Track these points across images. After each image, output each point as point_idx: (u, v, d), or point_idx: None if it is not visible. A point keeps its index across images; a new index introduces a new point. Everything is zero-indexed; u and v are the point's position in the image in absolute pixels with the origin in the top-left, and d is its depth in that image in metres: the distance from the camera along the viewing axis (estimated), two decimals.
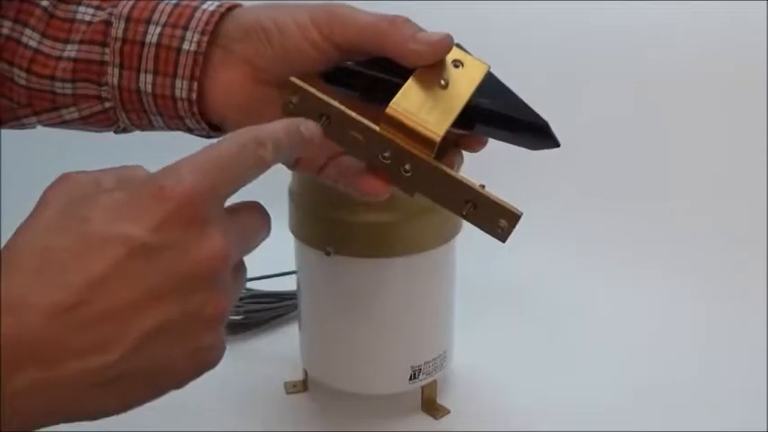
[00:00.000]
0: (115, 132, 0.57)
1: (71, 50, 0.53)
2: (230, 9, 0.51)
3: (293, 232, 0.65)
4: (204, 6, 0.51)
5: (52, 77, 0.53)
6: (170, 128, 0.55)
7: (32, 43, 0.53)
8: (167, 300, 0.35)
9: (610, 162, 0.96)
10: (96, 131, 0.56)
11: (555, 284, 0.87)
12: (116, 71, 0.52)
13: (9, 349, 0.33)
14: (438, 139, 0.44)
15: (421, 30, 0.47)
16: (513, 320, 0.81)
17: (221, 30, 0.51)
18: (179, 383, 0.38)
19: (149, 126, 0.55)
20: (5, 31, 0.54)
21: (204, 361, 0.38)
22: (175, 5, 0.52)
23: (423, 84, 0.45)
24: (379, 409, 0.68)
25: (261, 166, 0.40)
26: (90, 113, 0.55)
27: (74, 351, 0.34)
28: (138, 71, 0.52)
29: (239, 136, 0.39)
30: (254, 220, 0.41)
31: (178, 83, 0.51)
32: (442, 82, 0.46)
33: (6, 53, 0.54)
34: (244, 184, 0.40)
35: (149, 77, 0.52)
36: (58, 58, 0.53)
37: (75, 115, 0.55)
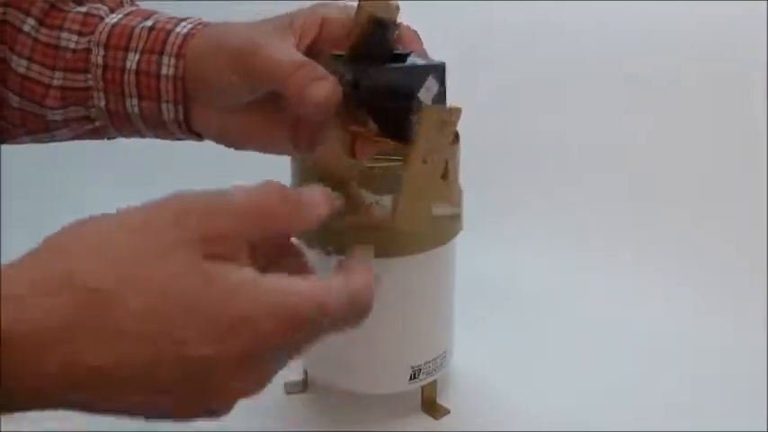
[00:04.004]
0: (107, 139, 0.58)
1: (58, 78, 0.53)
2: (194, 34, 0.52)
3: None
4: (178, 29, 0.52)
5: (42, 105, 0.54)
6: (160, 138, 0.56)
7: (21, 69, 0.54)
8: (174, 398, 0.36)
9: (609, 162, 0.96)
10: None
11: (555, 284, 0.87)
12: (101, 95, 0.53)
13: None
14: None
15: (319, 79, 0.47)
16: (513, 320, 0.81)
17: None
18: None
19: (140, 136, 0.56)
20: None
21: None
22: (150, 29, 0.52)
23: (417, 178, 0.47)
24: (379, 409, 0.68)
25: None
26: (81, 132, 0.56)
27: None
28: (124, 96, 0.53)
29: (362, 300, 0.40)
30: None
31: (164, 107, 0.52)
32: (426, 161, 0.47)
33: (1, 74, 0.54)
34: None
35: (135, 101, 0.53)
36: (48, 86, 0.54)
37: (68, 135, 0.56)
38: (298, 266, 0.43)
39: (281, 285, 0.37)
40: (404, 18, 0.49)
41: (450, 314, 0.68)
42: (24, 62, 0.54)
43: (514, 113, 1.00)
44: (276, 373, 0.40)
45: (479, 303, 0.80)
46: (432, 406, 0.68)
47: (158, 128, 0.54)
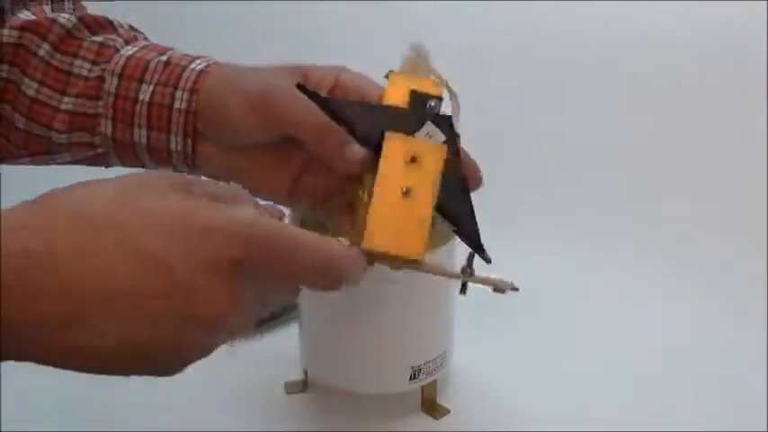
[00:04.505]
0: (105, 167, 0.59)
1: (68, 103, 0.54)
2: (208, 72, 0.53)
3: None
4: (192, 66, 0.53)
5: (49, 127, 0.55)
6: (160, 168, 0.57)
7: (31, 92, 0.55)
8: (160, 325, 0.37)
9: (609, 162, 0.96)
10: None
11: (555, 284, 0.86)
12: (109, 123, 0.54)
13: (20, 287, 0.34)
14: (423, 258, 0.46)
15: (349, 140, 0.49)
16: (513, 320, 0.81)
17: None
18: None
19: (141, 167, 0.57)
20: (3, 74, 0.55)
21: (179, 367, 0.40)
22: (166, 64, 0.54)
23: (387, 202, 0.46)
24: (379, 409, 0.68)
25: (327, 289, 0.43)
26: (82, 157, 0.57)
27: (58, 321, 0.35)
28: (132, 126, 0.54)
29: (323, 248, 0.41)
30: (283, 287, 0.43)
31: (173, 139, 0.53)
32: (404, 189, 0.46)
33: (8, 95, 0.55)
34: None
35: (144, 132, 0.54)
36: (56, 109, 0.55)
37: (68, 159, 0.57)
38: None
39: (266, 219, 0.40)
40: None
41: (451, 314, 0.68)
42: (35, 85, 0.55)
43: (514, 113, 1.00)
44: (255, 312, 0.42)
45: (479, 303, 0.80)
46: (432, 406, 0.68)
47: (162, 160, 0.55)
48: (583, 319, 0.81)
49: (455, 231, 0.50)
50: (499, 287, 0.49)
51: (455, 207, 0.47)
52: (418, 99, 0.48)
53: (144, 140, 0.54)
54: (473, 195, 0.49)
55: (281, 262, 0.40)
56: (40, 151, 0.56)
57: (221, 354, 0.81)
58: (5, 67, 0.55)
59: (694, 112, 0.94)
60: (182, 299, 0.36)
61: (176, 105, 0.52)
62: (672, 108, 0.96)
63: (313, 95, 0.49)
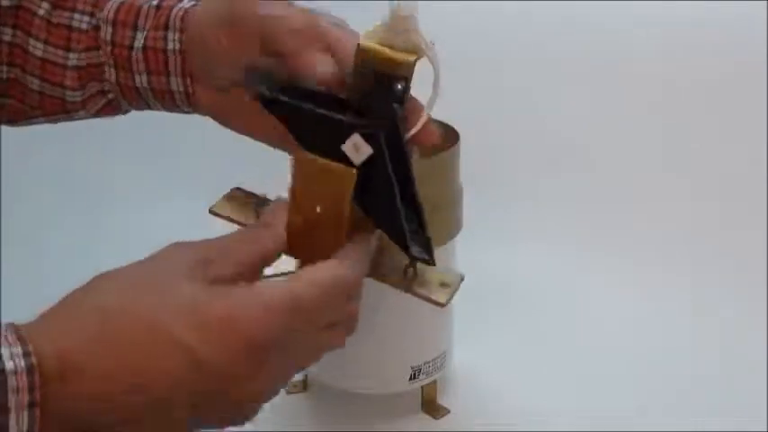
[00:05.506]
0: (122, 114, 0.59)
1: (74, 59, 0.55)
2: (193, 10, 0.53)
3: None
4: (181, 4, 0.54)
5: (62, 86, 0.56)
6: (169, 111, 0.57)
7: (38, 52, 0.55)
8: (201, 411, 0.39)
9: (610, 162, 0.96)
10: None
11: (555, 284, 0.87)
12: (112, 70, 0.55)
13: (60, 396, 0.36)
14: None
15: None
16: (513, 320, 0.81)
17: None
18: None
19: (149, 109, 0.57)
20: (7, 37, 0.56)
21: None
22: (157, 8, 0.54)
23: (298, 222, 0.46)
24: (379, 409, 0.68)
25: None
26: (97, 109, 0.57)
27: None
28: (133, 72, 0.54)
29: (328, 282, 0.44)
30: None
31: (173, 80, 0.54)
32: (318, 209, 0.46)
33: (16, 58, 0.56)
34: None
35: (144, 77, 0.54)
36: (65, 67, 0.55)
37: (84, 115, 0.58)
38: None
39: (263, 286, 0.42)
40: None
41: (450, 314, 0.68)
42: (41, 45, 0.55)
43: (515, 113, 1.00)
44: (287, 374, 0.44)
45: (479, 303, 0.80)
46: (432, 406, 0.68)
47: (166, 102, 0.55)
48: (582, 320, 0.81)
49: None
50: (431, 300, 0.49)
51: (379, 212, 0.47)
52: (382, 81, 0.44)
53: (146, 84, 0.54)
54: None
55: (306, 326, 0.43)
56: (56, 111, 0.57)
57: None
58: (9, 30, 0.56)
59: (695, 113, 0.94)
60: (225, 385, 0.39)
61: (170, 47, 0.53)
62: (673, 108, 0.96)
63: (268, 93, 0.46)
